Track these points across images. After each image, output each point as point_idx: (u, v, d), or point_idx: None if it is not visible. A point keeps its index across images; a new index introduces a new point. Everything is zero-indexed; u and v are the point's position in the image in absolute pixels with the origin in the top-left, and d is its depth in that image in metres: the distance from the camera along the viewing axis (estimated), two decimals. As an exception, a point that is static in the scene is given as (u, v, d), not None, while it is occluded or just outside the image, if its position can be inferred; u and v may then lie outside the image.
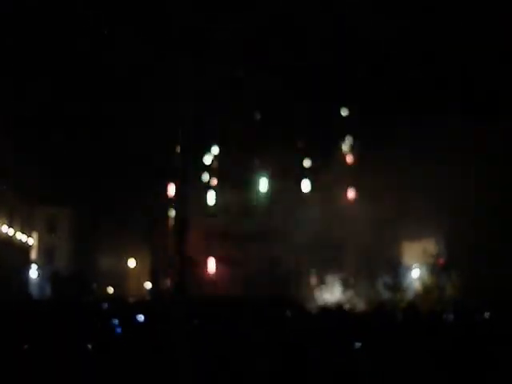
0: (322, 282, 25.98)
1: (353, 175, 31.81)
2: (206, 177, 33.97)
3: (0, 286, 26.91)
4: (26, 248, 35.04)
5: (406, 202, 28.58)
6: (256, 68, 29.38)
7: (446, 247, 27.95)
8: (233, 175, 33.36)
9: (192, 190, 28.38)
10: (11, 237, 32.14)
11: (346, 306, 21.31)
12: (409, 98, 29.50)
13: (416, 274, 25.68)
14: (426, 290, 23.28)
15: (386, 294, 24.09)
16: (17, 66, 25.02)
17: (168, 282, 30.90)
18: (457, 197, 28.06)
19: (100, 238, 40.80)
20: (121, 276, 41.49)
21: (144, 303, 17.40)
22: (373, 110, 29.92)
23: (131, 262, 45.50)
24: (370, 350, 9.88)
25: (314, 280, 26.73)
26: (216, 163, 34.05)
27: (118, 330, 10.01)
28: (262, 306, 13.04)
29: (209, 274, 32.69)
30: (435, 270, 24.02)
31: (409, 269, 27.20)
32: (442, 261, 25.96)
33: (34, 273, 35.73)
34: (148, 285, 40.27)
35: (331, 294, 25.40)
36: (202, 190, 33.22)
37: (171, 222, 30.94)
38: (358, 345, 9.62)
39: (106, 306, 14.96)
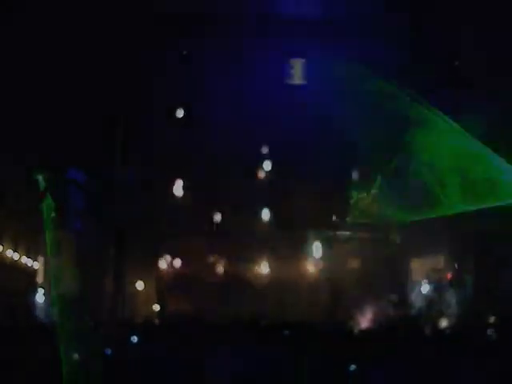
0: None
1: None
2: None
3: (6, 310, 26.86)
4: (31, 272, 34.86)
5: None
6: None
7: (453, 262, 27.63)
8: None
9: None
10: (16, 261, 32.05)
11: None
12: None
13: (424, 290, 25.46)
14: (429, 305, 23.07)
15: (390, 311, 23.85)
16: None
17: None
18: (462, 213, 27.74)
19: (107, 261, 40.76)
20: (129, 298, 41.31)
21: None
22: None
23: (139, 285, 45.30)
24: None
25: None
26: None
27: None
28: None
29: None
30: (440, 285, 23.79)
31: (417, 285, 26.90)
32: (449, 276, 25.66)
33: (40, 297, 35.43)
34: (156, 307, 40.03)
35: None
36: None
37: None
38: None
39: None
